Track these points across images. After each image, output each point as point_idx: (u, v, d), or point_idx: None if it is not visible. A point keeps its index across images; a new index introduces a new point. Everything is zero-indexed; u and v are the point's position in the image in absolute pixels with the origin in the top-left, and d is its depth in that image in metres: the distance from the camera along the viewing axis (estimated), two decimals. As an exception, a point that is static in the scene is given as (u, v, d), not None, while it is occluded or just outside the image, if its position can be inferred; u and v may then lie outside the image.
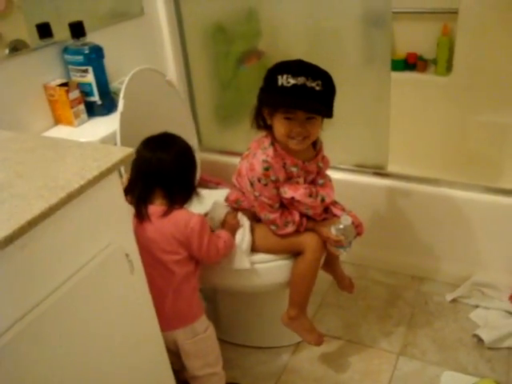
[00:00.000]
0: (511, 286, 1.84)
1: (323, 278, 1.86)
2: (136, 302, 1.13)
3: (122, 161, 1.01)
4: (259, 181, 1.43)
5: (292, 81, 1.29)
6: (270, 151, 1.41)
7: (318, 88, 1.30)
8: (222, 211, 1.54)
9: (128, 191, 1.37)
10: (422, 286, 1.99)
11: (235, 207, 1.56)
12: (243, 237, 1.49)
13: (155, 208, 1.34)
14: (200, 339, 1.44)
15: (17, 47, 1.50)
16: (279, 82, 1.31)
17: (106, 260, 1.02)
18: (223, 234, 1.45)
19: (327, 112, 1.35)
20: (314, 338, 1.56)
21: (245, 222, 1.53)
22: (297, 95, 1.30)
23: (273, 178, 1.42)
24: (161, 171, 1.33)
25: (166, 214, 1.33)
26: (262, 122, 1.44)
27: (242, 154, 1.53)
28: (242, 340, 1.80)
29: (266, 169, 1.41)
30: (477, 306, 1.85)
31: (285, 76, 1.30)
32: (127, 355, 1.13)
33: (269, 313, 1.72)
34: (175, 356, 1.44)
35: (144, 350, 1.19)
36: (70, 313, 0.95)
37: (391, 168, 1.94)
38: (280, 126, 1.37)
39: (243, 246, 1.48)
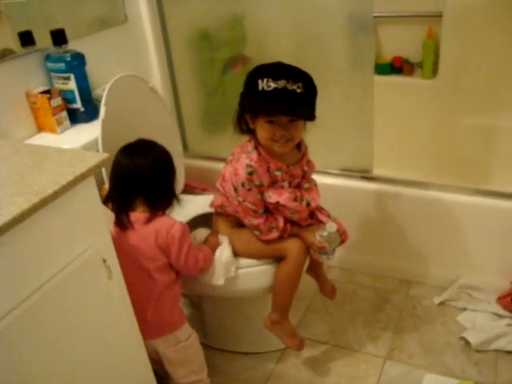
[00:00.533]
0: (499, 288, 1.84)
1: (310, 282, 1.86)
2: (115, 307, 1.13)
3: (96, 166, 1.00)
4: (243, 186, 1.42)
5: (273, 84, 1.28)
6: (254, 155, 1.41)
7: (299, 90, 1.29)
8: (205, 233, 1.57)
9: (108, 198, 1.37)
10: (410, 289, 1.99)
11: (220, 212, 1.56)
12: (222, 250, 1.50)
13: (137, 215, 1.34)
14: (182, 347, 1.43)
15: (4, 55, 1.50)
16: (260, 87, 1.29)
17: (83, 265, 1.02)
18: (204, 247, 1.46)
19: (309, 114, 1.35)
20: (295, 343, 1.56)
21: (224, 240, 1.53)
22: (278, 99, 1.29)
23: (257, 182, 1.41)
24: (138, 177, 1.32)
25: (149, 220, 1.33)
26: (244, 127, 1.43)
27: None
28: (227, 346, 1.79)
29: (250, 173, 1.40)
30: (464, 309, 1.85)
31: (265, 80, 1.29)
32: (107, 361, 1.13)
33: (254, 318, 1.71)
34: (158, 364, 1.43)
35: (125, 355, 1.18)
36: (45, 319, 0.95)
37: (378, 172, 1.94)
38: (263, 130, 1.36)
39: (223, 259, 1.48)
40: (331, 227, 1.44)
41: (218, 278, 1.47)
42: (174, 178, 1.41)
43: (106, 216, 1.22)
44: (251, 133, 1.44)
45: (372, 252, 2.05)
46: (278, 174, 1.43)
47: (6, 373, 0.89)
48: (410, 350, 1.72)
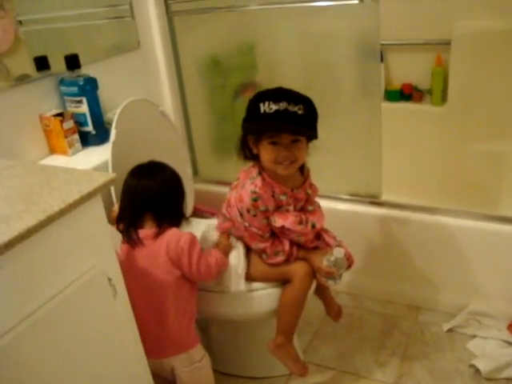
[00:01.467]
0: (509, 315, 1.82)
1: (318, 307, 1.85)
2: (119, 326, 1.13)
3: (104, 185, 1.02)
4: (248, 211, 1.44)
5: (274, 107, 1.30)
6: (259, 181, 1.43)
7: (300, 112, 1.31)
8: (215, 233, 1.55)
9: (119, 219, 1.40)
10: (418, 315, 1.97)
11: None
12: (239, 259, 1.49)
13: (146, 231, 1.35)
14: (196, 368, 1.43)
15: (21, 80, 1.55)
16: (261, 110, 1.32)
17: (88, 284, 1.03)
18: (214, 252, 1.45)
19: (311, 134, 1.37)
20: (298, 369, 1.55)
21: (239, 245, 1.53)
22: (280, 119, 1.31)
23: (262, 208, 1.42)
24: (148, 198, 1.35)
25: (158, 234, 1.35)
26: (248, 153, 1.45)
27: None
28: (234, 370, 1.78)
29: (255, 199, 1.42)
30: (474, 336, 1.82)
31: (266, 103, 1.31)
32: (110, 378, 1.13)
33: (261, 342, 1.69)
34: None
35: (128, 374, 1.18)
36: (48, 335, 0.96)
37: (387, 197, 1.94)
38: (266, 152, 1.38)
39: (239, 269, 1.48)
40: (339, 252, 1.44)
41: (238, 284, 1.47)
42: (183, 200, 1.44)
43: (113, 236, 1.24)
44: (255, 158, 1.46)
45: (380, 277, 2.04)
46: (282, 198, 1.45)
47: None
48: (419, 377, 1.70)
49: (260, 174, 1.44)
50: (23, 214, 0.92)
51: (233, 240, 1.54)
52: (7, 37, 1.49)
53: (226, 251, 1.50)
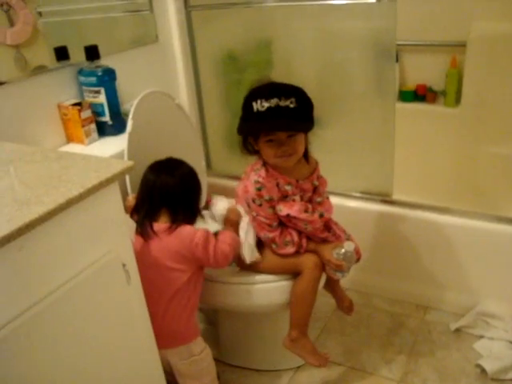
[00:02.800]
0: (517, 317, 1.83)
1: (326, 303, 1.88)
2: (131, 312, 1.15)
3: (121, 172, 1.05)
4: (254, 201, 1.47)
5: (266, 104, 1.33)
6: (262, 172, 1.46)
7: (292, 105, 1.34)
8: (223, 206, 1.58)
9: (135, 210, 1.42)
10: (426, 314, 1.98)
11: None
12: (247, 230, 1.51)
13: (160, 225, 1.38)
14: (194, 360, 1.44)
15: (39, 71, 1.58)
16: (254, 108, 1.35)
17: (103, 268, 1.05)
18: (227, 235, 1.46)
19: (305, 127, 1.40)
20: (317, 359, 1.55)
21: (244, 214, 1.55)
22: (272, 117, 1.34)
23: (266, 197, 1.45)
24: (165, 194, 1.39)
25: (172, 229, 1.37)
26: (251, 147, 1.48)
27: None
28: (240, 362, 1.80)
29: (259, 189, 1.45)
30: (481, 337, 1.83)
31: (259, 101, 1.34)
32: (120, 365, 1.15)
33: (269, 335, 1.72)
34: (170, 375, 1.45)
35: (138, 362, 1.20)
36: (63, 317, 0.98)
37: (398, 196, 1.95)
38: (265, 149, 1.42)
39: (250, 240, 1.50)
40: (349, 246, 1.46)
41: (252, 255, 1.50)
42: (199, 197, 1.47)
43: (127, 225, 1.26)
44: (258, 153, 1.48)
45: (389, 276, 2.05)
46: (288, 188, 1.47)
47: (20, 371, 0.92)
48: (425, 375, 1.71)
49: (264, 165, 1.47)
50: (43, 198, 0.94)
51: (240, 210, 1.56)
52: (26, 28, 1.52)
53: (236, 226, 1.53)
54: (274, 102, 1.33)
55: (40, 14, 1.57)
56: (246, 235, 1.50)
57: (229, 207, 1.59)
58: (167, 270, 1.36)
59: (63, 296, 0.97)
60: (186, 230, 1.38)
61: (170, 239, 1.36)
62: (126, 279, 1.11)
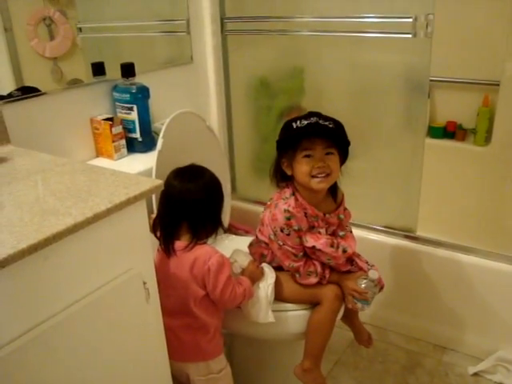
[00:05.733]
0: (538, 365, 1.77)
1: (342, 336, 1.85)
2: (148, 330, 1.15)
3: (149, 191, 1.05)
4: (282, 230, 1.45)
5: (305, 122, 1.38)
6: (292, 201, 1.45)
7: (331, 126, 1.38)
8: (245, 258, 1.52)
9: (156, 225, 1.40)
10: (443, 355, 1.93)
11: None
12: (267, 290, 1.48)
13: (180, 243, 1.36)
14: (212, 379, 1.41)
15: (73, 84, 1.61)
16: (294, 126, 1.39)
17: (124, 285, 1.06)
18: (245, 281, 1.43)
19: (344, 144, 1.42)
20: None
21: (268, 273, 1.51)
22: (313, 129, 1.37)
23: (295, 227, 1.44)
24: (187, 201, 1.34)
25: (190, 247, 1.34)
26: (279, 177, 1.50)
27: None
28: (254, 391, 1.78)
29: (288, 218, 1.43)
30: None
31: (298, 121, 1.39)
32: (131, 380, 1.14)
33: (282, 365, 1.70)
34: None
35: (150, 377, 1.19)
36: (80, 331, 0.98)
37: (422, 233, 1.93)
38: (301, 166, 1.41)
39: (268, 299, 1.46)
40: (373, 274, 1.46)
41: (266, 316, 1.46)
42: (222, 206, 1.42)
43: (152, 241, 1.25)
44: (288, 180, 1.49)
45: (407, 312, 2.01)
46: (314, 220, 1.46)
47: (37, 375, 0.92)
48: (440, 419, 1.67)
49: (293, 194, 1.46)
50: (71, 210, 0.95)
51: (264, 268, 1.52)
52: (65, 42, 1.56)
53: (254, 279, 1.47)
54: (313, 119, 1.37)
55: (80, 29, 1.61)
56: (267, 295, 1.46)
57: (251, 260, 1.52)
58: (183, 287, 1.34)
59: (82, 310, 0.97)
60: (203, 249, 1.34)
61: (185, 257, 1.33)
62: (145, 297, 1.11)
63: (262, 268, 1.52)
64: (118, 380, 1.11)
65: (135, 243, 1.08)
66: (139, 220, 1.08)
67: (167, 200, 1.36)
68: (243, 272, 1.48)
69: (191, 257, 1.33)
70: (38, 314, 0.90)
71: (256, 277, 1.48)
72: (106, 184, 1.07)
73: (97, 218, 0.95)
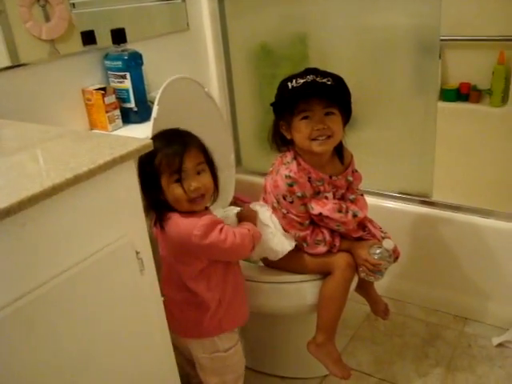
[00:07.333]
0: None
1: (358, 309, 1.78)
2: (145, 304, 1.06)
3: (137, 150, 0.96)
4: (285, 198, 1.37)
5: (301, 80, 1.29)
6: (293, 166, 1.36)
7: (329, 83, 1.27)
8: (236, 211, 1.40)
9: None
10: (465, 326, 1.83)
11: None
12: (271, 220, 1.39)
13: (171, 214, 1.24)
14: (218, 357, 1.33)
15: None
16: (289, 86, 1.30)
17: (114, 255, 0.97)
18: (245, 224, 1.30)
19: (344, 102, 1.32)
20: (340, 370, 1.44)
21: (265, 211, 1.40)
22: (310, 88, 1.27)
23: (299, 194, 1.35)
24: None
25: (174, 220, 1.22)
26: (280, 141, 1.41)
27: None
28: (265, 368, 1.70)
29: (290, 185, 1.35)
30: (527, 353, 1.69)
31: (293, 80, 1.30)
32: (130, 356, 1.05)
33: (295, 341, 1.62)
34: (191, 365, 1.37)
35: (149, 354, 1.11)
36: (68, 304, 0.90)
37: (438, 197, 1.83)
38: (299, 129, 1.32)
39: (278, 228, 1.39)
40: (388, 244, 1.36)
41: (284, 244, 1.37)
42: (215, 170, 1.30)
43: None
44: (289, 144, 1.40)
45: (426, 283, 1.91)
46: (319, 184, 1.37)
47: (20, 358, 0.84)
48: (463, 392, 1.58)
49: (295, 158, 1.37)
50: (51, 172, 0.87)
51: (254, 207, 1.41)
52: (61, 23, 1.48)
53: (252, 221, 1.34)
54: (310, 78, 1.28)
55: (73, 5, 1.53)
56: (274, 225, 1.38)
57: (241, 209, 1.41)
58: (178, 262, 1.25)
59: (68, 281, 0.89)
60: (187, 220, 1.20)
61: (174, 229, 1.21)
62: (139, 268, 1.02)
63: (254, 210, 1.40)
64: (116, 355, 1.03)
65: (125, 209, 0.99)
66: (128, 183, 0.99)
67: (149, 165, 1.20)
68: (239, 221, 1.37)
69: (176, 230, 1.21)
70: (18, 285, 0.82)
71: (252, 217, 1.36)
72: (91, 146, 0.99)
73: (78, 179, 0.85)
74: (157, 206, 1.23)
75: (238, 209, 1.41)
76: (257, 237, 1.30)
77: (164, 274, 1.29)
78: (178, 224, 1.21)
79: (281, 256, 1.38)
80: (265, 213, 1.40)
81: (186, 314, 1.29)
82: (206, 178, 1.24)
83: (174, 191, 1.20)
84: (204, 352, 1.32)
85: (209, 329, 1.30)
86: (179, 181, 1.20)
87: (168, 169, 1.19)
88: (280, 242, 1.37)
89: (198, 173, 1.23)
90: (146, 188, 1.18)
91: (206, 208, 1.29)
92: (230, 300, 1.31)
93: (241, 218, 1.36)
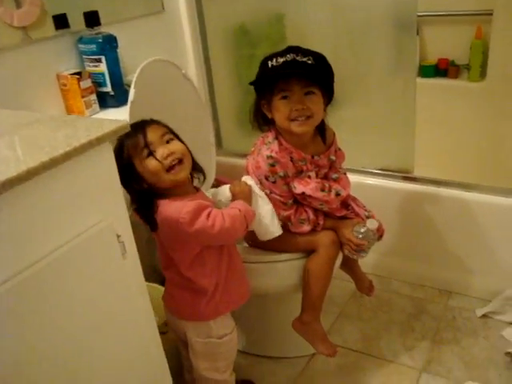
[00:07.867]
0: (548, 302, 1.70)
1: (343, 287, 1.78)
2: (128, 288, 1.05)
3: (114, 132, 0.94)
4: (267, 178, 1.36)
5: (281, 59, 1.27)
6: (275, 145, 1.35)
7: (310, 62, 1.26)
8: (229, 194, 1.37)
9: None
10: (449, 300, 1.86)
11: None
12: (265, 204, 1.37)
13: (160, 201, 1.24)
14: (211, 343, 1.31)
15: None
16: (269, 65, 1.28)
17: (94, 239, 0.95)
18: (237, 203, 1.28)
19: (325, 82, 1.30)
20: (326, 348, 1.44)
21: (256, 189, 1.38)
22: (289, 68, 1.26)
23: (281, 173, 1.34)
24: None
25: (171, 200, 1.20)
26: (261, 120, 1.39)
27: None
28: (253, 348, 1.70)
29: (272, 165, 1.34)
30: (510, 323, 1.71)
31: (274, 59, 1.28)
32: (115, 340, 1.04)
33: (282, 321, 1.61)
34: (184, 346, 1.36)
35: (134, 337, 1.09)
36: (50, 290, 0.88)
37: (419, 173, 1.84)
38: (279, 108, 1.30)
39: (270, 213, 1.36)
40: (372, 224, 1.36)
41: (277, 228, 1.37)
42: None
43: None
44: (271, 124, 1.38)
45: (410, 259, 1.93)
46: (301, 164, 1.36)
47: (4, 342, 0.82)
48: (449, 364, 1.59)
49: (276, 138, 1.36)
50: (26, 157, 0.84)
51: (247, 180, 1.39)
52: (33, 9, 1.44)
53: (247, 197, 1.33)
54: (290, 56, 1.26)
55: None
56: (267, 209, 1.36)
57: (230, 185, 1.38)
58: (170, 251, 1.25)
59: (49, 266, 0.86)
60: (173, 205, 1.17)
61: (161, 216, 1.19)
62: (120, 252, 1.01)
63: (247, 183, 1.37)
64: (101, 338, 1.01)
65: (104, 192, 0.97)
66: (105, 165, 0.97)
67: (120, 159, 1.15)
68: (233, 200, 1.34)
69: (164, 216, 1.19)
70: (-5, 272, 0.80)
71: (246, 192, 1.34)
72: (67, 129, 0.96)
73: (54, 162, 0.83)
74: (144, 197, 1.20)
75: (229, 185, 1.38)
76: (250, 216, 1.27)
77: (162, 260, 1.29)
78: (166, 210, 1.19)
79: (270, 238, 1.38)
80: (257, 193, 1.38)
81: (183, 297, 1.28)
82: (177, 145, 1.22)
83: (148, 167, 1.17)
84: (198, 336, 1.30)
85: (206, 313, 1.28)
86: (151, 154, 1.18)
87: (135, 150, 1.18)
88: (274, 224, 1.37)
89: (167, 142, 1.21)
90: (127, 183, 1.15)
91: (198, 190, 1.28)
92: (226, 282, 1.29)
93: (234, 193, 1.35)
